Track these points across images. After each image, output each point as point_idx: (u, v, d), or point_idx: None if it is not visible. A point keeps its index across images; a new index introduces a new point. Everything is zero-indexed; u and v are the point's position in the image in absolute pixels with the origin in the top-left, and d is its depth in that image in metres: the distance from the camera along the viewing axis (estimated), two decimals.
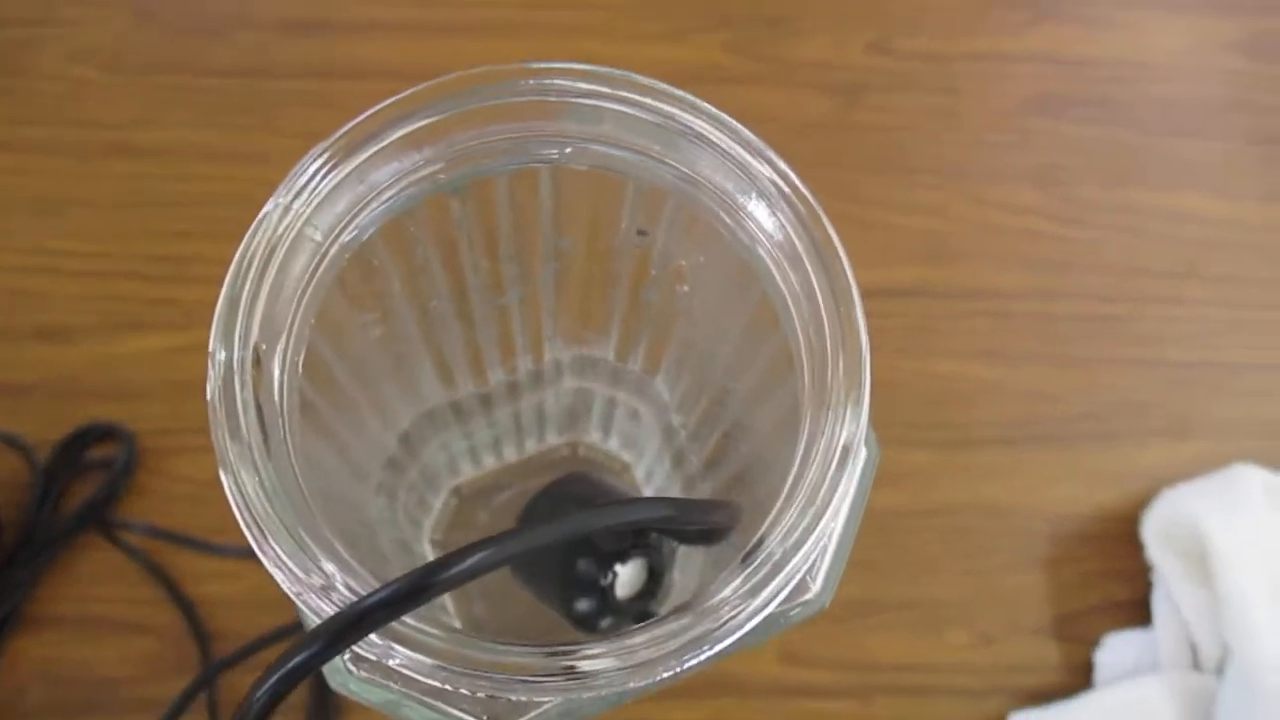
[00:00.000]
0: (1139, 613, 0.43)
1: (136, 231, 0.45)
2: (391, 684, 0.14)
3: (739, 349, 0.19)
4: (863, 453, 0.16)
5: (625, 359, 0.25)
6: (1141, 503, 0.44)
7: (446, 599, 0.33)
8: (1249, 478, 0.42)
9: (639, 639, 0.13)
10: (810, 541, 0.13)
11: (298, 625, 0.40)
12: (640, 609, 0.25)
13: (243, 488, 0.13)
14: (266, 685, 0.12)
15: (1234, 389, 0.46)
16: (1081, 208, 0.48)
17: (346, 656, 0.15)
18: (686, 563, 0.27)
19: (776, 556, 0.13)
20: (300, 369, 0.15)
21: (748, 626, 0.13)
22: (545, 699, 0.13)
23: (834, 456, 0.14)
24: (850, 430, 0.14)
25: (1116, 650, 0.42)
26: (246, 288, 0.14)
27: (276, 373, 0.15)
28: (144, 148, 0.47)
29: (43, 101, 0.47)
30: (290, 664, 0.12)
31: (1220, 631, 0.41)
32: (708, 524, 0.15)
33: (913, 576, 0.43)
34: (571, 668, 0.12)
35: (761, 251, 0.16)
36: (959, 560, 0.43)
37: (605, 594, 0.25)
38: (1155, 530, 0.43)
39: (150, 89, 0.48)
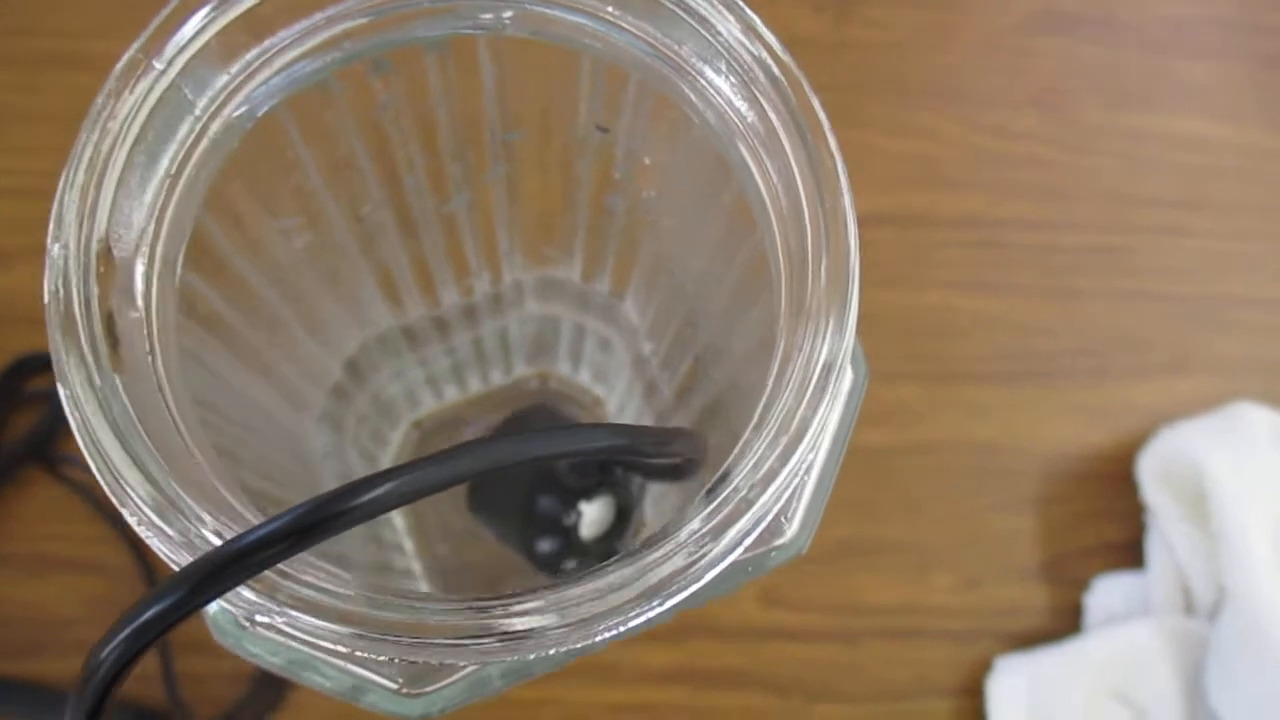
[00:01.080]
0: (1131, 555, 0.42)
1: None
2: (293, 641, 0.12)
3: (711, 261, 0.17)
4: (848, 374, 0.14)
5: (591, 279, 0.23)
6: (1137, 442, 0.42)
7: (405, 537, 0.31)
8: (1252, 416, 0.40)
9: (579, 590, 0.11)
10: (783, 475, 0.11)
11: None
12: (607, 549, 0.24)
13: (81, 409, 0.11)
14: (112, 644, 0.10)
15: (1236, 324, 0.44)
16: (1082, 132, 0.46)
17: (240, 612, 0.13)
18: (660, 500, 0.25)
19: (743, 492, 0.11)
20: (179, 270, 0.13)
21: (709, 575, 0.11)
22: (476, 661, 0.11)
23: (813, 376, 0.12)
24: (833, 346, 0.12)
25: (1107, 593, 0.41)
26: (87, 162, 0.12)
27: (140, 271, 0.12)
28: (96, 59, 0.44)
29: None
30: (141, 618, 0.10)
31: (1215, 574, 0.39)
32: (667, 454, 0.13)
33: (899, 517, 0.41)
34: (502, 630, 0.10)
35: (738, 141, 0.14)
36: (946, 500, 0.42)
37: (569, 534, 0.23)
38: (1152, 469, 0.41)
39: None
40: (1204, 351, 0.44)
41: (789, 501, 0.13)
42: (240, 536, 0.10)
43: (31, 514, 0.39)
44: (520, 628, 0.10)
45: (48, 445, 0.39)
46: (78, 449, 0.37)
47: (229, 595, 0.10)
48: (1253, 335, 0.44)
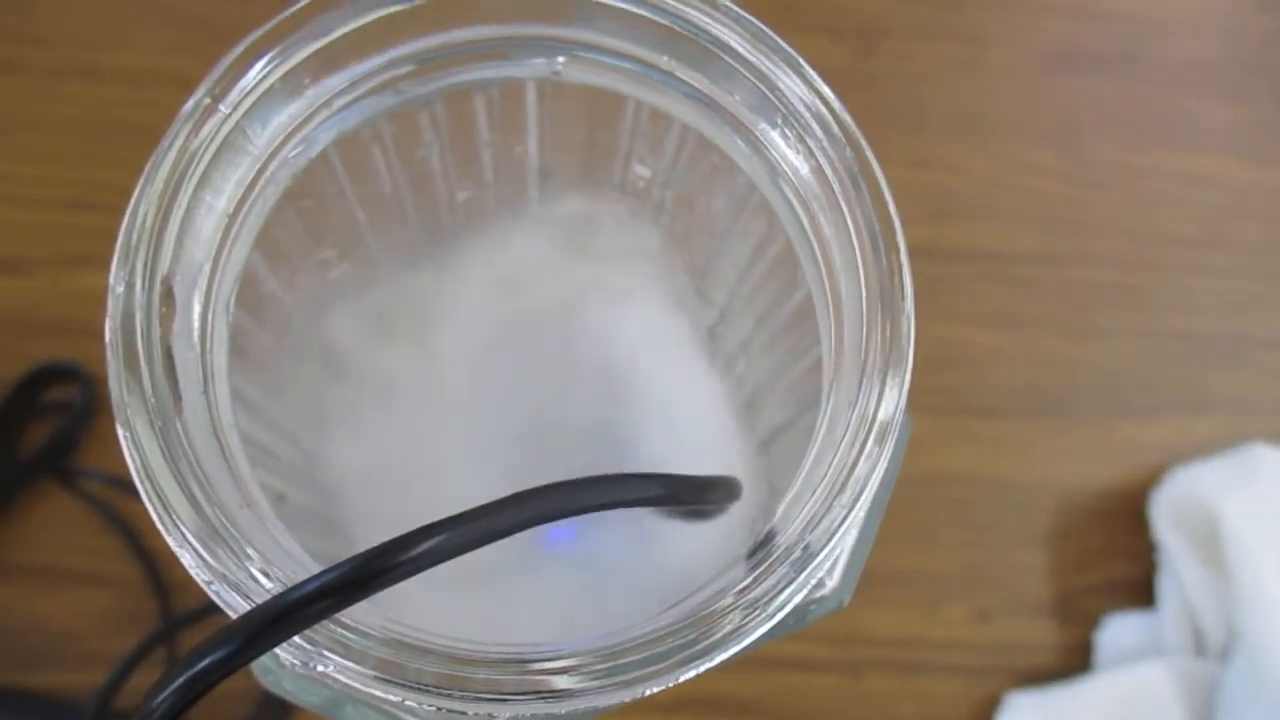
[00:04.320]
0: (1142, 594, 0.41)
1: (99, 159, 0.42)
2: (331, 684, 0.12)
3: (750, 300, 0.17)
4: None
5: None
6: (1150, 479, 0.42)
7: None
8: (1266, 458, 0.40)
9: (623, 648, 0.11)
10: (835, 539, 0.11)
11: None
12: None
13: (141, 450, 0.11)
14: (167, 691, 0.10)
15: (1253, 365, 0.44)
16: (1101, 169, 0.46)
17: (288, 657, 0.13)
18: None
19: (795, 554, 0.11)
20: (232, 308, 0.13)
21: (755, 635, 0.11)
22: (508, 714, 0.11)
23: (869, 435, 0.12)
24: (889, 405, 0.12)
25: (1117, 632, 0.41)
26: (155, 205, 0.12)
27: (197, 311, 0.12)
28: (111, 70, 0.44)
29: (3, 17, 0.44)
30: (197, 668, 0.10)
31: (1227, 616, 0.39)
32: (706, 501, 0.13)
33: (910, 547, 0.41)
34: (541, 689, 0.10)
35: (789, 193, 0.14)
36: (959, 532, 0.42)
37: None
38: (1164, 509, 0.41)
39: (121, 9, 0.45)
40: (1220, 391, 0.44)
41: (833, 554, 0.13)
42: (294, 589, 0.10)
43: (44, 526, 0.39)
44: (561, 686, 0.10)
45: (63, 457, 0.39)
46: (92, 461, 0.37)
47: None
48: (1269, 376, 0.44)
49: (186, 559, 0.11)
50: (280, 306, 0.16)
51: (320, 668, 0.11)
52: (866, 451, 0.11)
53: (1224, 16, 0.48)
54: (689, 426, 0.19)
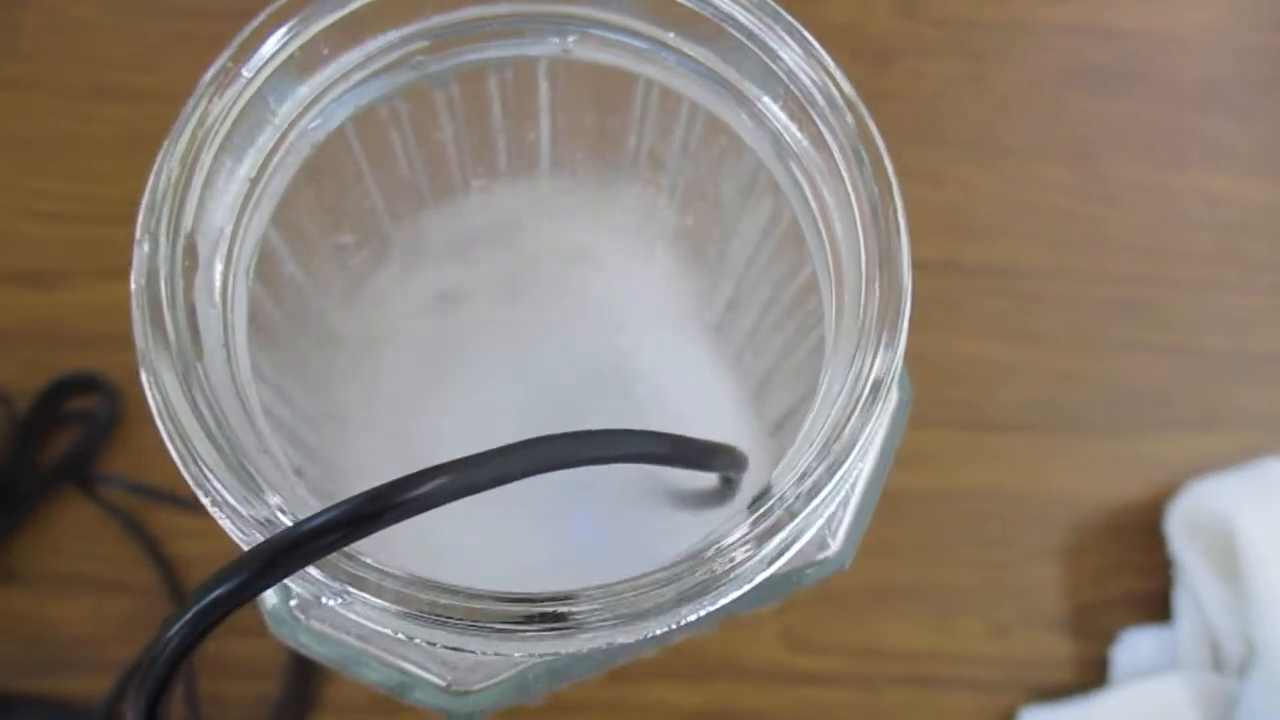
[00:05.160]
0: (1158, 609, 0.41)
1: (128, 176, 0.43)
2: (345, 635, 0.12)
3: (757, 286, 0.17)
4: (894, 395, 0.14)
5: None
6: (1166, 494, 0.42)
7: None
8: None
9: (630, 588, 0.11)
10: (829, 487, 0.12)
11: None
12: None
13: (163, 390, 0.11)
14: (180, 623, 0.11)
15: (1268, 380, 0.44)
16: (1114, 186, 0.46)
17: (293, 603, 0.13)
18: None
19: (789, 502, 0.11)
20: (252, 275, 0.13)
21: (754, 581, 0.12)
22: (520, 652, 0.11)
23: (863, 391, 0.12)
24: (884, 362, 0.12)
25: (1134, 647, 0.40)
26: (179, 166, 0.12)
27: (219, 270, 0.13)
28: (141, 91, 0.45)
29: (39, 39, 0.45)
30: (210, 597, 0.10)
31: (1245, 631, 0.39)
32: (709, 467, 0.13)
33: (926, 561, 0.41)
34: (553, 613, 0.11)
35: (791, 165, 0.14)
36: (974, 547, 0.42)
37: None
38: (1180, 523, 0.41)
39: (152, 33, 0.46)
40: (1235, 406, 0.44)
41: (834, 516, 0.14)
42: (303, 523, 0.10)
43: (65, 533, 0.40)
44: (569, 619, 0.11)
45: (83, 466, 0.40)
46: (112, 469, 0.38)
47: (294, 576, 0.11)
48: None
49: (204, 496, 0.11)
50: (300, 291, 0.17)
51: (330, 600, 0.11)
52: (861, 406, 0.12)
53: (1237, 36, 0.49)
54: (699, 415, 0.19)
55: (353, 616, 0.11)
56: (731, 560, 0.11)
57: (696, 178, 0.18)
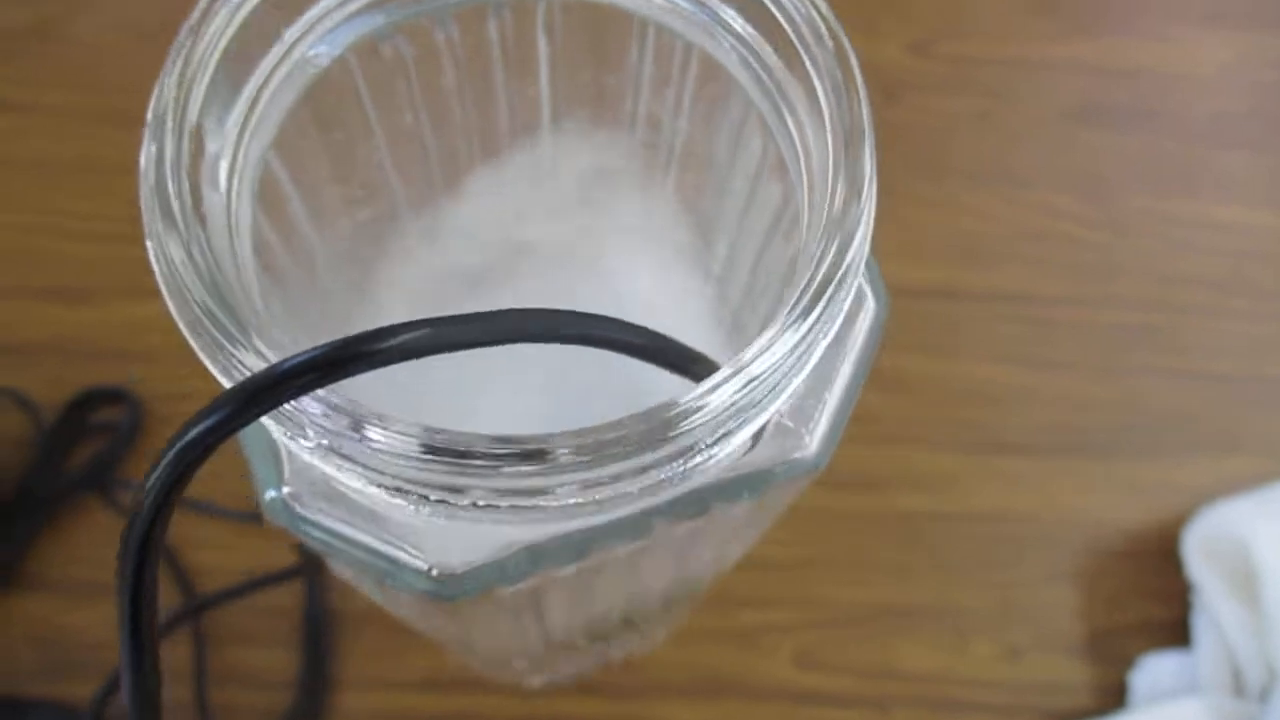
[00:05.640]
0: (1177, 634, 0.41)
1: None
2: (335, 522, 0.13)
3: (749, 239, 0.18)
4: (870, 302, 0.15)
5: None
6: (1182, 518, 0.42)
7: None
8: None
9: (598, 428, 0.11)
10: (793, 354, 0.12)
11: (291, 570, 0.39)
12: None
13: (166, 251, 0.12)
14: (162, 463, 0.11)
15: None
16: (1124, 215, 0.47)
17: (286, 490, 0.13)
18: None
19: (756, 374, 0.12)
20: (255, 199, 0.14)
21: (715, 443, 0.12)
22: (502, 498, 0.11)
23: (832, 277, 0.12)
24: (842, 246, 0.13)
25: (1152, 672, 0.40)
26: (184, 58, 0.13)
27: (224, 168, 0.13)
28: None
29: (78, 67, 0.47)
30: (188, 437, 0.11)
31: (1266, 655, 0.38)
32: (686, 373, 0.13)
33: (939, 583, 0.41)
34: (535, 450, 0.11)
35: (778, 99, 0.15)
36: (988, 569, 0.41)
37: None
38: (1197, 546, 0.40)
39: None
40: (1250, 431, 0.44)
41: (810, 417, 0.14)
42: (283, 361, 0.11)
43: (84, 541, 0.40)
44: (543, 449, 0.11)
45: (105, 474, 0.41)
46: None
47: (296, 419, 0.11)
48: None
49: (196, 339, 0.12)
50: (305, 238, 0.17)
51: (318, 439, 0.11)
52: (830, 292, 0.12)
53: (1250, 73, 0.50)
54: None
55: (341, 477, 0.11)
56: (690, 412, 0.11)
57: (692, 136, 0.19)
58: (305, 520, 0.13)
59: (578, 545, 0.13)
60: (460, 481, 0.11)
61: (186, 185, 0.12)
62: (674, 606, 0.25)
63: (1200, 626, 0.40)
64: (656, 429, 0.11)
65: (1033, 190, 0.47)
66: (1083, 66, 0.49)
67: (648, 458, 0.11)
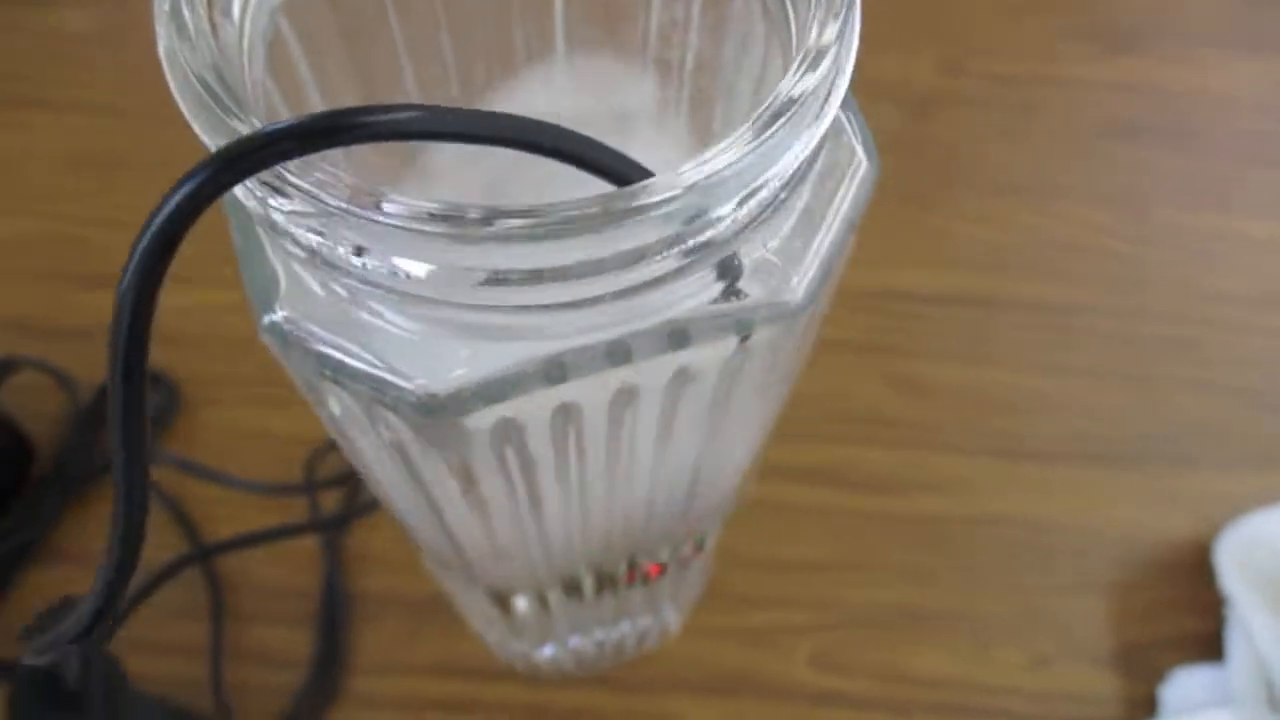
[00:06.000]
0: (1209, 648, 0.39)
1: None
2: (322, 340, 0.13)
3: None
4: (862, 160, 0.15)
5: None
6: (1215, 530, 0.41)
7: None
8: None
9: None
10: (751, 171, 0.12)
11: (301, 527, 0.39)
12: None
13: (173, 45, 0.12)
14: (149, 232, 0.11)
15: None
16: (1155, 229, 0.47)
17: (282, 314, 0.14)
18: None
19: (708, 171, 0.12)
20: (265, 68, 0.15)
21: (683, 263, 0.12)
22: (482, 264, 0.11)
23: (795, 100, 0.12)
24: (813, 69, 0.13)
25: (1184, 686, 0.38)
26: None
27: (236, 8, 0.14)
28: None
29: (134, 70, 0.49)
30: (174, 200, 0.11)
31: None
32: (618, 178, 0.13)
33: (958, 587, 0.40)
34: (520, 210, 0.11)
35: None
36: (1011, 575, 0.41)
37: None
38: (1231, 556, 0.39)
39: None
40: None
41: (798, 259, 0.14)
42: (261, 130, 0.11)
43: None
44: (527, 209, 0.11)
45: None
46: (166, 460, 0.39)
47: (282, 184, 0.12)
48: None
49: (188, 105, 0.12)
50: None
51: (296, 200, 0.12)
52: (790, 111, 0.12)
53: (1276, 95, 0.50)
54: None
55: (304, 237, 0.12)
56: (643, 194, 0.12)
57: (701, 48, 0.19)
58: (300, 343, 0.14)
59: (555, 364, 0.13)
60: (437, 227, 0.11)
61: (202, 9, 0.13)
62: (679, 544, 0.25)
63: (1233, 640, 0.39)
64: (607, 212, 0.11)
65: (1064, 203, 0.47)
66: (1115, 86, 0.50)
67: (600, 243, 0.12)
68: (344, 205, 0.11)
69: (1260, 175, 0.48)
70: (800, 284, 0.14)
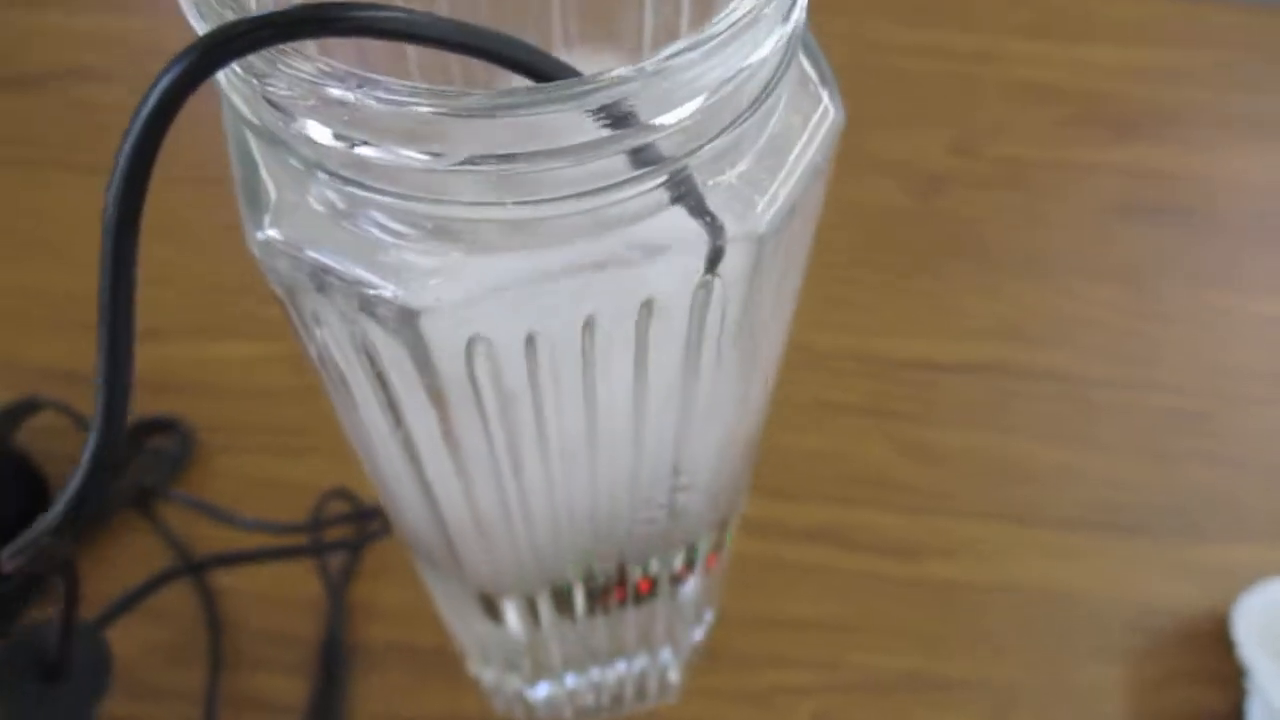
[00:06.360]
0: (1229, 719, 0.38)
1: (233, 252, 0.48)
2: (307, 249, 0.14)
3: None
4: (829, 109, 0.16)
5: None
6: (1233, 601, 0.40)
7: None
8: None
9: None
10: (691, 73, 0.13)
11: (301, 549, 0.39)
12: None
13: None
14: (140, 118, 0.12)
15: None
16: (1169, 305, 0.47)
17: (271, 230, 0.14)
18: None
19: (653, 69, 0.12)
20: None
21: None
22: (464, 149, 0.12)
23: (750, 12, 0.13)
24: None
25: None
26: None
27: None
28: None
29: (181, 140, 0.52)
30: (160, 87, 0.12)
31: None
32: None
33: (971, 654, 0.39)
34: (441, 93, 0.12)
35: None
36: (1026, 643, 0.40)
37: None
38: (1250, 626, 0.38)
39: None
40: None
41: (763, 189, 0.15)
42: (251, 15, 0.12)
43: (121, 558, 0.41)
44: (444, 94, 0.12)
45: (149, 496, 0.42)
46: (176, 498, 0.40)
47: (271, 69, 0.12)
48: None
49: (192, 13, 0.13)
50: None
51: (281, 83, 0.12)
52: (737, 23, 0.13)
53: None
54: None
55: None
56: (589, 82, 0.12)
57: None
58: (290, 254, 0.14)
59: (533, 273, 0.14)
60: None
61: None
62: (670, 552, 0.25)
63: (1253, 712, 0.37)
64: (549, 94, 0.12)
65: (1074, 278, 0.47)
66: (1123, 170, 0.51)
67: (552, 131, 0.12)
68: (333, 88, 0.12)
69: (1268, 254, 0.48)
70: (765, 212, 0.15)
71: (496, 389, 0.16)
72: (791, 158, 0.15)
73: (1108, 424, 0.44)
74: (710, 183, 0.14)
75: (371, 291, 0.14)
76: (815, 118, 0.16)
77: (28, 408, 0.42)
